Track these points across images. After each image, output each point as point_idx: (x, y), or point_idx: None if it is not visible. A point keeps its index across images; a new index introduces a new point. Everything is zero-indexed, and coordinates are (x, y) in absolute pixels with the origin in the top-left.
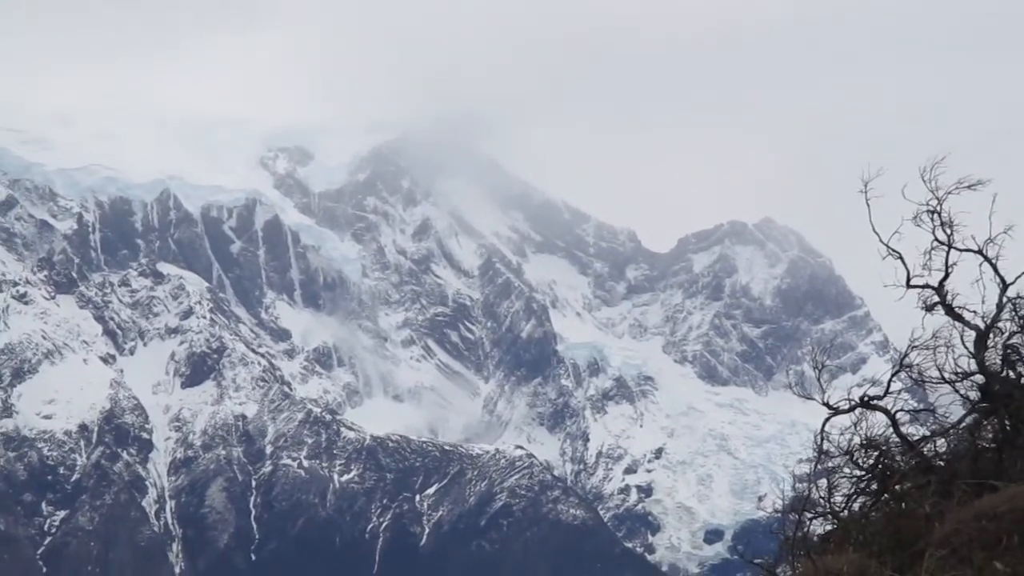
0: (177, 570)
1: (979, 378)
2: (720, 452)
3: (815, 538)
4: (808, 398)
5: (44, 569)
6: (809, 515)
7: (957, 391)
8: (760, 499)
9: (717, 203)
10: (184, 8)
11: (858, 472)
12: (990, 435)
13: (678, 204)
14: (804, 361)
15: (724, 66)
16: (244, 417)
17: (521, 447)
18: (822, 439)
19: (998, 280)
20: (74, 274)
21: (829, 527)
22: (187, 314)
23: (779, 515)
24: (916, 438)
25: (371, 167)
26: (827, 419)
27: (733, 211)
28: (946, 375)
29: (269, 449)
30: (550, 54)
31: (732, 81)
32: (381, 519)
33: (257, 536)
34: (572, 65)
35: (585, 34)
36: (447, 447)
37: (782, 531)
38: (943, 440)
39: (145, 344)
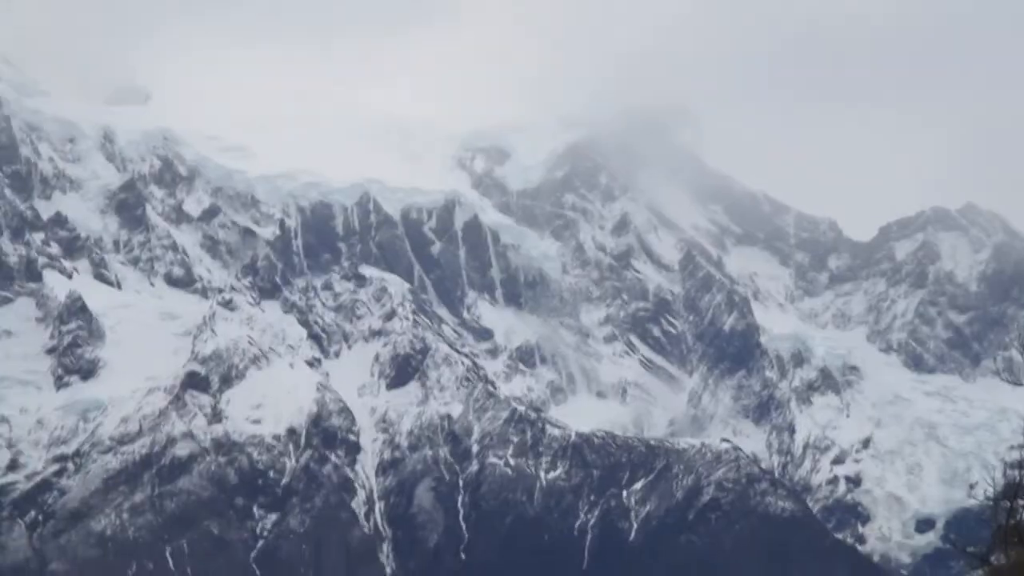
0: (388, 571)
1: None
2: (929, 440)
3: None
4: (1017, 384)
5: (258, 572)
6: (1021, 502)
7: None
8: (971, 487)
9: (918, 189)
10: (368, 9)
11: None
12: None
13: (879, 192)
14: (1012, 347)
15: (920, 47)
16: (450, 417)
17: (727, 440)
18: None
19: None
20: (278, 279)
21: None
22: (390, 316)
23: (991, 503)
24: None
25: (568, 164)
26: None
27: (935, 197)
28: None
29: (475, 448)
30: (743, 43)
31: (929, 63)
32: (589, 516)
33: (466, 535)
34: (766, 54)
35: (779, 21)
36: (652, 442)
37: (994, 519)
38: None
39: (349, 347)
